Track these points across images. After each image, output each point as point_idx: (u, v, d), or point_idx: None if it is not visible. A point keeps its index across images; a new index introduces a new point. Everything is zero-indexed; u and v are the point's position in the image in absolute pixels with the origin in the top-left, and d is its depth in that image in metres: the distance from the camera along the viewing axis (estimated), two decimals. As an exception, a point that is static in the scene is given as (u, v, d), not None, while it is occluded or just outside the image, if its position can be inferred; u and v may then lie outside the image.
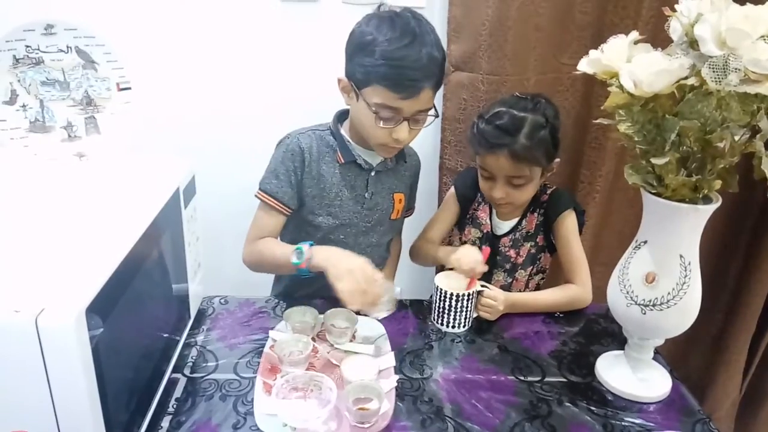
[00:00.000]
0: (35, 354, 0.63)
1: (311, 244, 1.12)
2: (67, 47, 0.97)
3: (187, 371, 1.02)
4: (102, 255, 0.73)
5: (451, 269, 1.21)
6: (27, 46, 0.93)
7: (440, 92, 1.50)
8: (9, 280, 0.67)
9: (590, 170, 1.58)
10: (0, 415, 0.66)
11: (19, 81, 0.93)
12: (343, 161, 1.22)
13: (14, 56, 0.92)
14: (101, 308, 0.68)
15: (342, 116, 1.27)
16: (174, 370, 1.00)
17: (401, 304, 1.25)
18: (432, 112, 1.15)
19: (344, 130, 1.25)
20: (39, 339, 0.62)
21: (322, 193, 1.23)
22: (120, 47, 1.02)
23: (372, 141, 1.18)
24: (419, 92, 1.08)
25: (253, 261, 1.23)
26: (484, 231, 1.36)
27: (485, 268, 1.19)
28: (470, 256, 1.19)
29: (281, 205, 1.21)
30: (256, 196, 1.23)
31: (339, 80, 1.17)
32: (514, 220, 1.34)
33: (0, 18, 0.96)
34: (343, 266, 1.05)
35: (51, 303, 0.63)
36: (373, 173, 1.25)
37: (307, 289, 1.32)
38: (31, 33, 0.93)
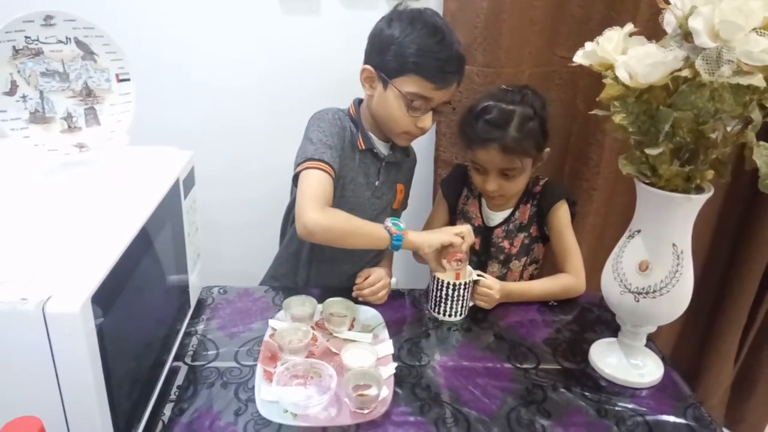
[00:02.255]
0: (42, 341, 0.64)
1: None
2: (67, 38, 0.97)
3: (188, 360, 1.03)
4: (105, 245, 0.74)
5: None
6: (27, 37, 0.92)
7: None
8: (15, 269, 0.68)
9: (588, 166, 1.60)
10: (9, 402, 0.67)
11: (19, 72, 0.93)
12: (363, 147, 1.25)
13: (14, 47, 0.92)
14: (105, 297, 0.68)
15: (358, 104, 1.29)
16: (175, 359, 1.01)
17: (398, 294, 1.27)
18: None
19: (363, 118, 1.28)
20: (46, 326, 0.63)
21: (343, 174, 1.24)
22: (119, 38, 1.02)
23: (395, 128, 1.22)
24: (451, 84, 1.17)
25: (335, 225, 1.10)
26: (476, 224, 1.37)
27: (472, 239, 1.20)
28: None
29: (335, 174, 1.16)
30: (308, 167, 1.14)
31: (363, 69, 1.21)
32: (507, 212, 1.35)
33: (-1, 9, 0.96)
34: (442, 238, 1.13)
35: (57, 291, 0.64)
36: (384, 163, 1.30)
37: (305, 275, 1.35)
38: (31, 24, 0.93)
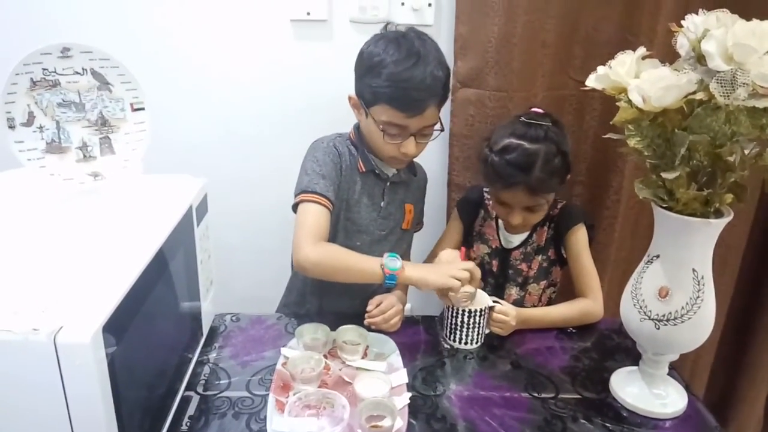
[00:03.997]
0: (53, 371, 0.63)
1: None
2: (83, 69, 0.98)
3: (200, 389, 1.02)
4: (117, 273, 0.74)
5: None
6: (44, 69, 0.94)
7: (447, 108, 1.52)
8: (27, 299, 0.68)
9: (608, 193, 1.58)
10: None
11: (36, 103, 0.94)
12: (363, 169, 1.26)
13: (32, 79, 0.93)
14: (117, 326, 0.68)
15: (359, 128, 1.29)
16: (187, 388, 1.00)
17: (412, 320, 1.25)
18: (437, 126, 1.20)
19: (362, 142, 1.27)
20: (57, 356, 0.63)
21: (347, 198, 1.26)
22: (133, 69, 1.04)
23: (381, 154, 1.23)
24: (424, 110, 1.14)
25: (324, 263, 1.12)
26: (493, 246, 1.36)
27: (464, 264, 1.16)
28: (447, 253, 1.19)
29: (330, 204, 1.19)
30: (302, 200, 1.18)
31: (349, 98, 1.22)
32: (524, 234, 1.34)
33: (18, 42, 0.98)
34: (438, 282, 1.09)
35: (69, 321, 0.64)
36: (388, 183, 1.29)
37: (316, 302, 1.34)
38: (48, 56, 0.94)
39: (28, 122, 0.94)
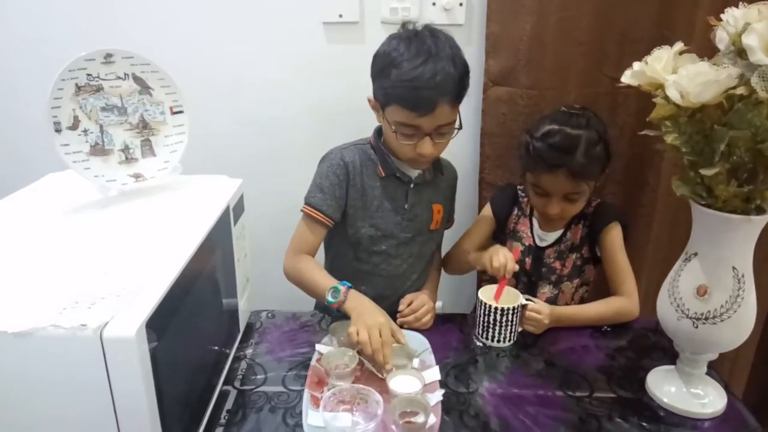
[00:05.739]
0: (99, 365, 0.66)
1: (349, 287, 1.14)
2: (125, 74, 1.02)
3: (237, 384, 1.04)
4: (159, 270, 0.76)
5: (493, 283, 1.21)
6: (88, 75, 0.98)
7: (479, 107, 1.52)
8: (73, 296, 0.71)
9: (644, 192, 1.55)
10: (68, 424, 0.69)
11: (81, 107, 0.98)
12: (383, 174, 1.25)
13: (77, 84, 0.97)
14: (159, 322, 0.70)
15: (381, 131, 1.29)
16: (225, 383, 1.02)
17: (444, 318, 1.25)
18: (456, 124, 1.17)
19: (383, 145, 1.27)
20: (103, 351, 0.66)
21: (365, 205, 1.26)
22: (171, 73, 1.07)
23: (400, 156, 1.22)
24: (434, 109, 1.11)
25: (292, 276, 1.25)
26: (527, 243, 1.35)
27: (516, 267, 1.18)
28: (500, 253, 1.19)
29: (325, 218, 1.23)
30: (302, 211, 1.25)
31: (369, 100, 1.23)
32: (558, 232, 1.33)
33: (64, 49, 1.02)
34: (367, 321, 1.06)
35: (114, 316, 0.66)
36: (412, 185, 1.28)
37: None
38: (92, 62, 0.98)
39: (74, 126, 0.98)
